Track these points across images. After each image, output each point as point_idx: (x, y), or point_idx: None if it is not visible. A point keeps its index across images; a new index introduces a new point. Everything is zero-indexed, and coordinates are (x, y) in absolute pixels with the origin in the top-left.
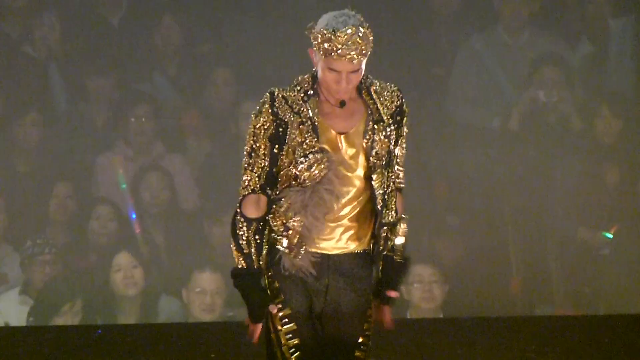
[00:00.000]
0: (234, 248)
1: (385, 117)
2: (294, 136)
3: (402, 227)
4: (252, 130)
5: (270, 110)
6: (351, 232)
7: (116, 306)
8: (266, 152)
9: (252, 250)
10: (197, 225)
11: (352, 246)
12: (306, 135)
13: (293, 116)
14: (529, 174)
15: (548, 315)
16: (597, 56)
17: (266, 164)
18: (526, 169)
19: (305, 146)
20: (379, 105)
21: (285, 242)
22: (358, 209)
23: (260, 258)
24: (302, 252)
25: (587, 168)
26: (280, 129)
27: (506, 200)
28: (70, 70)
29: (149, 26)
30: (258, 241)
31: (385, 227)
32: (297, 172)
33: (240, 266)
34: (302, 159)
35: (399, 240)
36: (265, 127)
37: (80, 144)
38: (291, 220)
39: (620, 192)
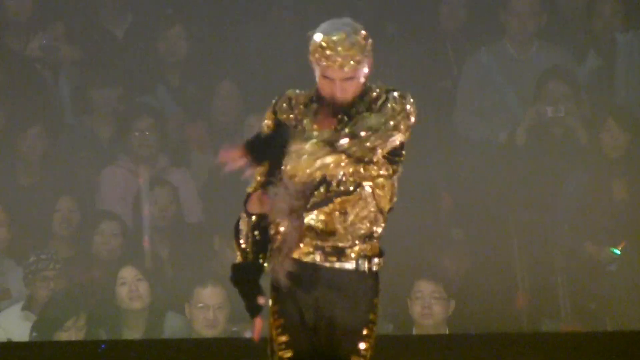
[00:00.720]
0: (235, 243)
1: (359, 110)
2: (292, 140)
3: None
4: (262, 127)
5: (272, 109)
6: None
7: (120, 321)
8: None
9: (249, 244)
10: (201, 239)
11: (343, 260)
12: (301, 143)
13: (289, 118)
14: (535, 188)
15: (554, 332)
16: (604, 70)
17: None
18: (532, 183)
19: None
20: (371, 108)
21: (274, 245)
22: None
23: (261, 255)
24: (287, 259)
25: (594, 182)
26: (282, 132)
27: (512, 214)
28: (75, 83)
29: (153, 38)
30: (257, 237)
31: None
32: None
33: (237, 260)
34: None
35: None
36: (267, 125)
37: (84, 157)
38: (280, 226)
39: (628, 207)
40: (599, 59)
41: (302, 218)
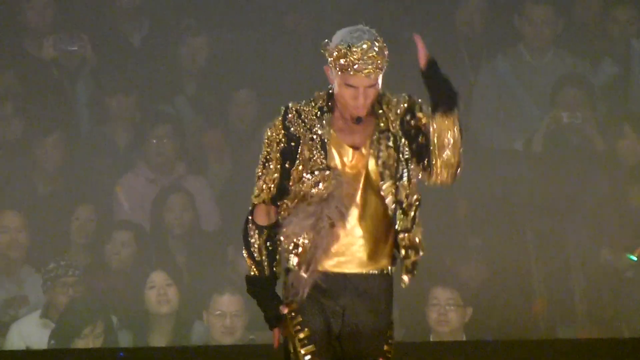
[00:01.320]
0: (246, 255)
1: (391, 126)
2: (303, 152)
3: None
4: (266, 141)
5: (282, 124)
6: (367, 250)
7: (139, 328)
8: (278, 166)
9: (264, 257)
10: (218, 246)
11: (370, 265)
12: (314, 152)
13: (304, 131)
14: (552, 195)
15: (571, 338)
16: (620, 76)
17: (277, 176)
18: (549, 190)
19: (312, 163)
20: (386, 114)
21: (295, 260)
22: (373, 225)
23: (274, 264)
24: (314, 270)
25: (611, 189)
26: (292, 143)
27: (529, 221)
28: (93, 91)
29: (171, 47)
30: (270, 248)
31: (403, 235)
32: (304, 189)
33: (252, 273)
34: (309, 175)
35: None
36: (277, 140)
37: (102, 165)
38: (300, 239)
39: None
40: (615, 66)
41: (328, 232)
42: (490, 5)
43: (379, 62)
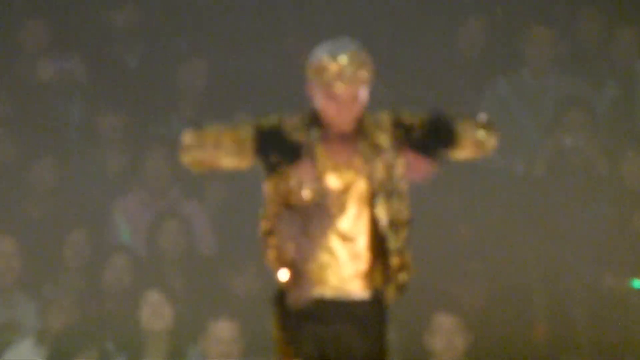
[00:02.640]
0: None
1: (383, 142)
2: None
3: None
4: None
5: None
6: (360, 270)
7: (134, 353)
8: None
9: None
10: (215, 272)
11: (363, 289)
12: (304, 164)
13: (291, 144)
14: (554, 219)
15: None
16: (623, 99)
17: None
18: (551, 214)
19: (302, 174)
20: (376, 131)
21: (285, 276)
22: (365, 245)
23: None
24: (306, 289)
25: (614, 213)
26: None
27: (530, 246)
28: (86, 113)
29: (167, 68)
30: None
31: (395, 254)
32: (293, 202)
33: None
34: (298, 188)
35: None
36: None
37: (96, 188)
38: (288, 248)
39: None
40: (618, 88)
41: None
42: (492, 27)
43: (362, 72)
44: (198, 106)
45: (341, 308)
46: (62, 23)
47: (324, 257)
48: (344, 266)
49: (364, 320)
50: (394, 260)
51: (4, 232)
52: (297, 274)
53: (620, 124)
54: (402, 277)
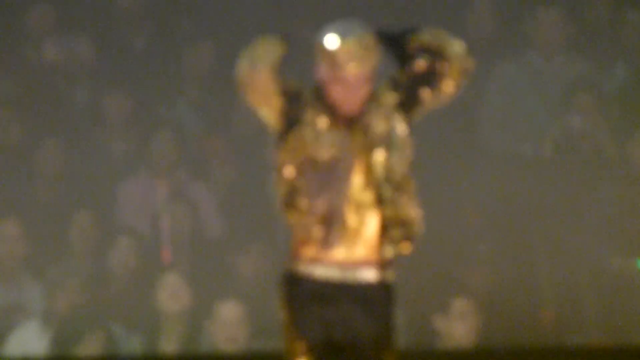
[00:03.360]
0: None
1: (382, 99)
2: (308, 115)
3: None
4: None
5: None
6: (368, 246)
7: (142, 335)
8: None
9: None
10: (222, 254)
11: (369, 270)
12: (318, 118)
13: (303, 103)
14: (562, 201)
15: (580, 345)
16: (632, 80)
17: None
18: (559, 195)
19: (318, 127)
20: (381, 96)
21: (303, 231)
22: (374, 219)
23: None
24: (308, 278)
25: (622, 195)
26: (293, 107)
27: (538, 227)
28: (92, 95)
29: (173, 50)
30: None
31: (387, 208)
32: (312, 154)
33: None
34: (316, 140)
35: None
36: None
37: (102, 170)
38: (311, 206)
39: None
40: (627, 69)
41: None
42: (500, 9)
43: (369, 54)
44: (204, 88)
45: (348, 290)
46: (69, 4)
47: (335, 225)
48: (353, 236)
49: (371, 302)
50: (388, 211)
51: (9, 214)
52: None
53: (629, 106)
54: (397, 233)
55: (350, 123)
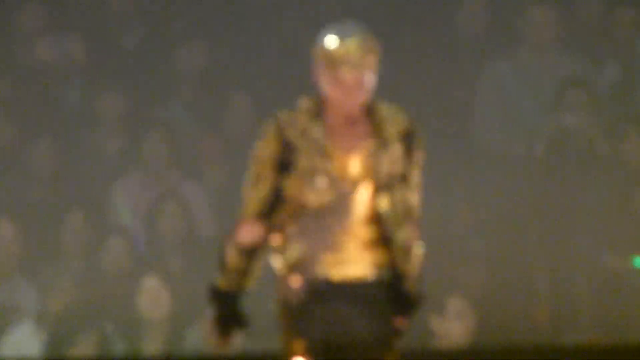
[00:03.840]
0: (218, 263)
1: (390, 137)
2: (301, 160)
3: (415, 252)
4: (258, 157)
5: (275, 134)
6: (363, 258)
7: (134, 336)
8: (270, 184)
9: (234, 271)
10: (215, 255)
11: (366, 273)
12: (314, 159)
13: (301, 139)
14: (555, 199)
15: (575, 344)
16: (624, 78)
17: (270, 193)
18: (553, 194)
19: (311, 170)
20: (384, 124)
21: (283, 264)
22: (369, 234)
23: (246, 280)
24: (308, 278)
25: (615, 193)
26: (287, 154)
27: (531, 225)
28: (85, 94)
29: (166, 49)
30: (245, 264)
31: (397, 251)
32: (305, 198)
33: (218, 282)
34: (309, 184)
35: (412, 267)
36: (271, 150)
37: (94, 170)
38: (295, 245)
39: None
40: (619, 67)
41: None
42: (491, 6)
43: (370, 58)
44: (197, 88)
45: (346, 290)
46: (61, 4)
47: (330, 253)
48: (350, 252)
49: (370, 301)
50: (400, 253)
51: (2, 215)
52: (301, 267)
53: (621, 104)
54: (410, 267)
55: (352, 133)
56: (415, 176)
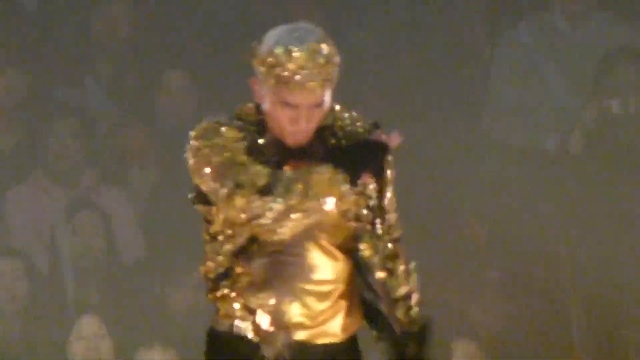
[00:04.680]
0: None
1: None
2: (247, 182)
3: (415, 297)
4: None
5: (206, 152)
6: (336, 316)
7: None
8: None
9: None
10: (143, 283)
11: (339, 334)
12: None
13: (241, 157)
14: (595, 211)
15: None
16: None
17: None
18: (591, 203)
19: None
20: (339, 136)
21: (250, 328)
22: (342, 286)
23: None
24: (279, 339)
25: None
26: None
27: (564, 245)
28: None
29: (79, 13)
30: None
31: (399, 304)
32: (258, 231)
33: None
34: (260, 216)
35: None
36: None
37: None
38: (255, 299)
39: None
40: None
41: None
42: None
43: (327, 72)
44: (119, 63)
45: (313, 351)
46: None
47: (295, 305)
48: (317, 310)
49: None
50: (400, 298)
51: None
52: (270, 327)
53: None
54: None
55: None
56: (389, 198)
